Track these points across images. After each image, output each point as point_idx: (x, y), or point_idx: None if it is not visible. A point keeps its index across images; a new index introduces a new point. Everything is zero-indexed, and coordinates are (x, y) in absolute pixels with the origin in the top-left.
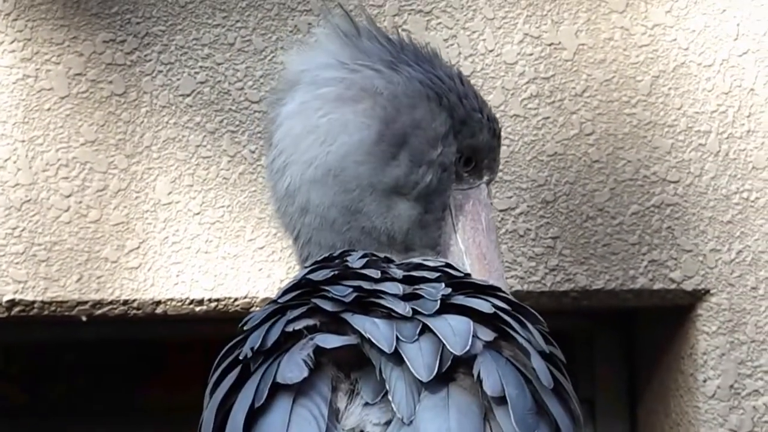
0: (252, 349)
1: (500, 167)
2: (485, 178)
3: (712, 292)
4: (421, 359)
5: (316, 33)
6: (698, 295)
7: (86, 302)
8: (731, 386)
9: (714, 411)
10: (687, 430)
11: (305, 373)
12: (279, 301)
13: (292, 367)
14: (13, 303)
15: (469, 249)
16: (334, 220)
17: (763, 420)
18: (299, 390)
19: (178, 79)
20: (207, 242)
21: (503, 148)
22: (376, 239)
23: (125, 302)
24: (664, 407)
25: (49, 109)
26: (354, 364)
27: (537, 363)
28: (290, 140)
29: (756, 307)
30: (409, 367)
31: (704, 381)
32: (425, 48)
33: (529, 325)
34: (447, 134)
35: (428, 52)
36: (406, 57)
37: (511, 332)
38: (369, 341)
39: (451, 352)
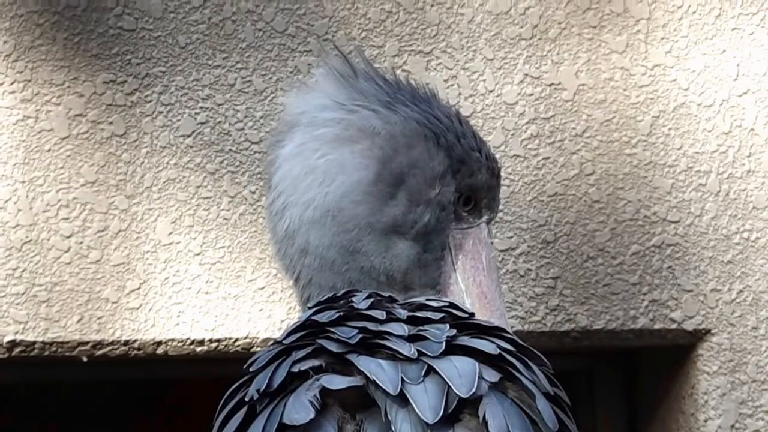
0: (258, 391)
1: (500, 207)
2: (485, 218)
3: (712, 331)
4: (426, 401)
5: (314, 74)
6: (699, 335)
7: (87, 343)
8: (732, 426)
9: None
10: None
11: (312, 415)
12: (284, 342)
13: (299, 408)
14: (14, 344)
15: (469, 288)
16: (333, 260)
17: None
18: (305, 431)
19: (179, 120)
20: (208, 283)
21: (503, 188)
22: (375, 279)
23: (126, 342)
24: None
25: (49, 150)
26: (359, 405)
27: (542, 405)
28: (289, 182)
29: (757, 347)
30: (415, 408)
31: (705, 421)
32: (423, 88)
33: (534, 367)
34: (445, 174)
35: (425, 92)
36: (403, 97)
37: (516, 374)
38: (374, 383)
39: (457, 394)
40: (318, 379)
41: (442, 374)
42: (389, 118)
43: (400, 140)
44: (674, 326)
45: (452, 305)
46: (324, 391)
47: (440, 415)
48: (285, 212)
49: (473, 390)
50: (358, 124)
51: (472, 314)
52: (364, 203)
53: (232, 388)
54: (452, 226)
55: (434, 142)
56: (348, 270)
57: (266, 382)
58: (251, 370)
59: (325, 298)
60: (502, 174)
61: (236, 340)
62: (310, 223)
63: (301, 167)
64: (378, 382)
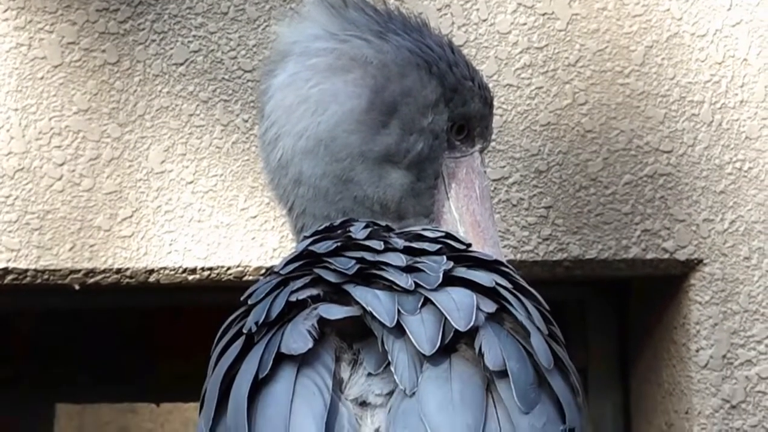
0: (256, 323)
1: (493, 136)
2: (478, 146)
3: (705, 261)
4: (423, 332)
5: (305, 4)
6: (691, 265)
7: (79, 270)
8: (724, 356)
9: (706, 381)
10: (679, 400)
11: (310, 344)
12: (281, 272)
13: (297, 338)
14: (6, 271)
15: (462, 217)
16: (326, 190)
17: (756, 390)
18: (303, 360)
19: (172, 48)
20: (200, 211)
21: (496, 118)
22: (369, 208)
23: (118, 271)
24: (657, 377)
25: (42, 78)
26: (357, 335)
27: (536, 341)
28: (282, 111)
29: (749, 277)
30: (411, 339)
31: (697, 351)
32: (414, 18)
33: (529, 304)
34: (437, 102)
35: (417, 21)
36: (394, 26)
37: (510, 308)
38: (371, 314)
39: (455, 328)
40: (315, 308)
41: (439, 307)
42: (381, 47)
43: (392, 69)
44: (666, 256)
45: (449, 236)
46: (321, 321)
47: (437, 347)
48: (278, 142)
49: (471, 323)
50: (350, 53)
51: (468, 245)
52: (356, 132)
53: (230, 319)
54: (445, 154)
55: (426, 70)
56: (341, 199)
57: (264, 313)
58: (249, 302)
59: (322, 227)
60: (495, 103)
61: (228, 268)
62: (302, 152)
63: (293, 97)
64: (374, 313)
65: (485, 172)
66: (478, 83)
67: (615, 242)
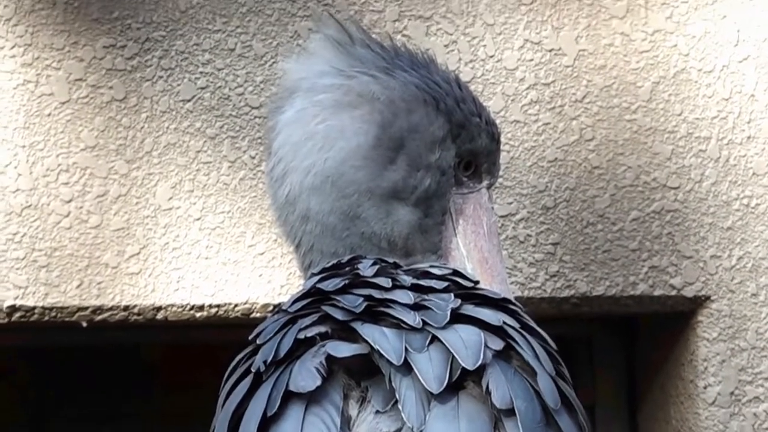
0: (265, 362)
1: (501, 173)
2: (485, 182)
3: (712, 298)
4: (431, 370)
5: (312, 41)
6: (699, 302)
7: (87, 308)
8: (732, 393)
9: (714, 418)
10: None
11: (318, 382)
12: (289, 310)
13: (305, 376)
14: (13, 309)
15: (470, 253)
16: (334, 226)
17: (764, 427)
18: (311, 398)
19: (179, 85)
20: (207, 248)
21: (504, 154)
22: (376, 245)
23: (126, 308)
24: (665, 414)
25: (49, 115)
26: (365, 372)
27: (543, 381)
28: (289, 147)
29: (756, 314)
30: (419, 377)
31: (705, 387)
32: (421, 54)
33: (536, 345)
34: (445, 138)
35: (424, 57)
36: (401, 62)
37: (517, 348)
38: (378, 352)
39: (463, 366)
40: (323, 346)
41: (447, 345)
42: (388, 83)
43: (399, 105)
44: (674, 293)
45: (456, 273)
46: (329, 358)
47: (445, 384)
48: (285, 178)
49: (479, 361)
50: (357, 89)
51: (476, 282)
52: (363, 168)
53: (238, 358)
54: (453, 190)
55: (434, 107)
56: (349, 236)
57: (273, 352)
58: (258, 341)
59: (330, 264)
60: (503, 140)
61: (236, 305)
62: (310, 189)
63: (300, 133)
64: (381, 351)
65: (493, 208)
66: (485, 119)
67: (622, 279)
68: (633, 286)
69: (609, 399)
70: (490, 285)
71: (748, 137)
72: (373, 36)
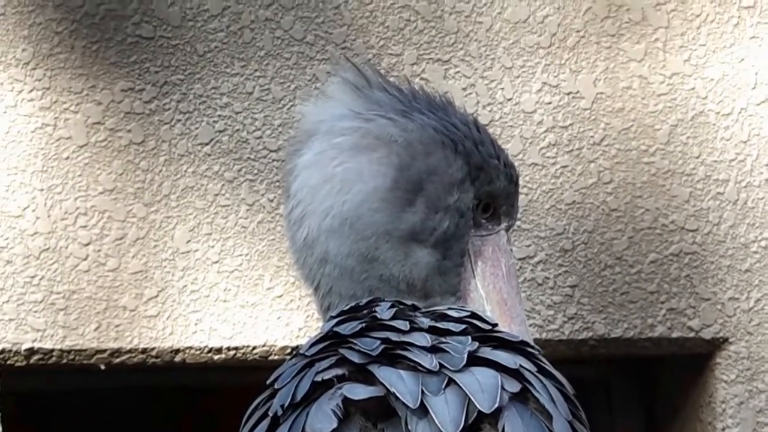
0: (282, 406)
1: (519, 215)
2: (504, 225)
3: (730, 340)
4: (447, 413)
5: (330, 85)
6: (717, 344)
7: (105, 351)
8: None
9: None
10: None
11: (334, 425)
12: (307, 354)
13: (321, 418)
14: (31, 351)
15: (489, 295)
16: (352, 269)
17: None
18: None
19: (197, 128)
20: (225, 291)
21: (522, 197)
22: (395, 287)
23: (144, 351)
24: None
25: (67, 158)
26: (381, 415)
27: (559, 425)
28: (307, 190)
29: None
30: (435, 420)
31: (723, 430)
32: (439, 96)
33: (552, 389)
34: (464, 180)
35: (441, 100)
36: (419, 105)
37: (533, 391)
38: (394, 395)
39: (479, 409)
40: (340, 388)
41: (463, 388)
42: (406, 126)
43: (417, 147)
44: (692, 335)
45: (474, 315)
46: (346, 401)
47: (461, 428)
48: (303, 221)
49: (496, 404)
50: (375, 132)
51: (494, 325)
52: (381, 210)
53: (256, 402)
54: (471, 232)
55: (452, 149)
56: (367, 278)
57: (290, 396)
58: (276, 386)
59: (347, 308)
60: (521, 182)
61: (254, 348)
62: (328, 231)
63: (319, 176)
64: (398, 394)
65: (511, 250)
66: (503, 161)
67: (640, 321)
68: (651, 328)
69: None
70: (509, 327)
71: (766, 180)
72: (391, 79)
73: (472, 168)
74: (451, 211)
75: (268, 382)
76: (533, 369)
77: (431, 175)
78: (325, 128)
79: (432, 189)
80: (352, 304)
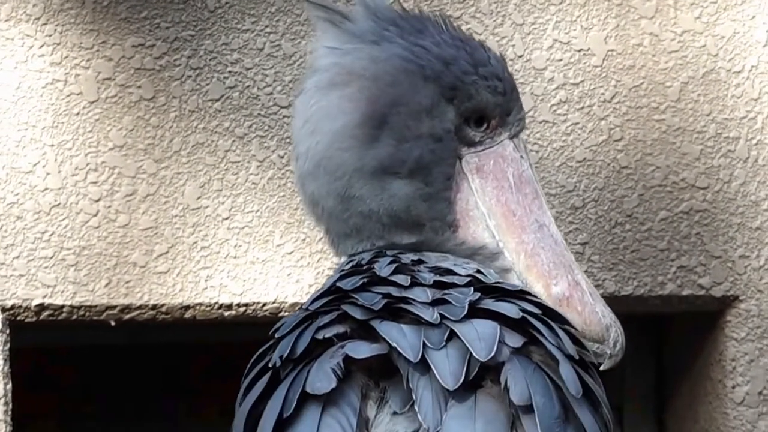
0: (281, 357)
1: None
2: (506, 134)
3: (741, 298)
4: (447, 367)
5: (314, 24)
6: (727, 302)
7: (115, 307)
8: (760, 393)
9: (743, 417)
10: None
11: (333, 384)
12: (309, 308)
13: (321, 377)
14: (42, 307)
15: (491, 210)
16: (333, 209)
17: None
18: (328, 399)
19: (207, 84)
20: (236, 247)
21: (532, 154)
22: (378, 222)
23: (154, 307)
24: (693, 414)
25: (78, 114)
26: (384, 372)
27: (566, 370)
28: (295, 133)
29: None
30: (436, 375)
31: (733, 387)
32: (421, 17)
33: (558, 329)
34: (434, 105)
35: (421, 21)
36: (390, 33)
37: (540, 337)
38: (395, 350)
39: (477, 359)
40: (342, 347)
41: (462, 338)
42: (376, 57)
43: (384, 79)
44: (702, 293)
45: (479, 271)
46: (347, 359)
47: (461, 381)
48: (296, 163)
49: (492, 353)
50: (348, 67)
51: (498, 281)
52: (350, 149)
53: (258, 353)
54: (463, 151)
55: (419, 75)
56: (350, 216)
57: (289, 348)
58: (276, 335)
59: (349, 266)
60: (530, 138)
61: (264, 304)
62: (308, 174)
63: (299, 118)
64: (399, 348)
65: (522, 157)
66: (484, 74)
67: (651, 279)
68: (661, 285)
69: (637, 399)
70: (518, 237)
71: None
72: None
73: (445, 89)
74: (423, 138)
75: (271, 332)
76: (538, 312)
77: (395, 106)
78: (311, 67)
79: (397, 120)
80: (355, 260)
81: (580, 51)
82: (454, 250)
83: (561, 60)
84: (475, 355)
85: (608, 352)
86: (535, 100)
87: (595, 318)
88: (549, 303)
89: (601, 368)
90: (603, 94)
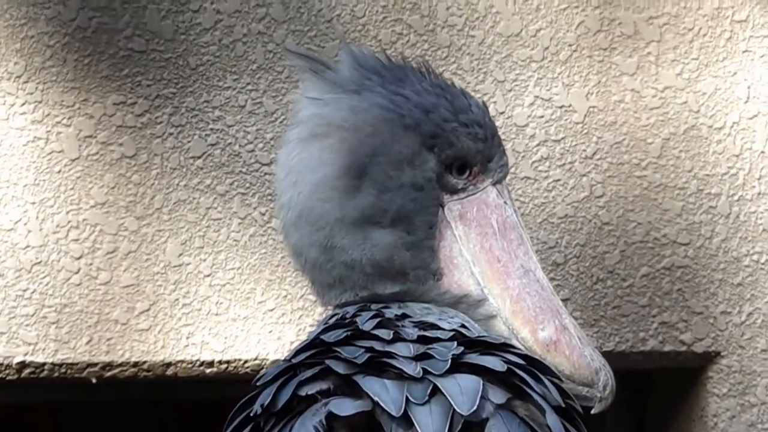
0: (262, 406)
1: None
2: (489, 181)
3: (722, 354)
4: (431, 423)
5: (300, 75)
6: (709, 357)
7: (96, 364)
8: None
9: None
10: None
11: None
12: (292, 360)
13: None
14: (23, 365)
15: (476, 256)
16: (316, 259)
17: None
18: None
19: (189, 142)
20: (217, 304)
21: None
22: (361, 272)
23: (135, 364)
24: None
25: (59, 171)
26: (367, 430)
27: (552, 420)
28: (278, 184)
29: (766, 369)
30: (419, 431)
31: None
32: (402, 65)
33: (545, 380)
34: (415, 154)
35: (402, 70)
36: (370, 82)
37: (526, 389)
38: (378, 405)
39: (460, 414)
40: (326, 404)
41: (445, 393)
42: (356, 107)
43: (364, 129)
44: (684, 348)
45: (463, 325)
46: (331, 416)
47: None
48: (280, 215)
49: (474, 407)
50: (329, 117)
51: (482, 335)
52: (331, 199)
53: (240, 403)
54: (446, 199)
55: (399, 124)
56: (333, 267)
57: (270, 399)
58: (258, 385)
59: (333, 320)
60: (513, 195)
61: (246, 361)
62: (291, 225)
63: (282, 169)
64: (381, 403)
65: (506, 203)
66: (464, 122)
67: (632, 335)
68: (643, 342)
69: None
70: (504, 283)
71: (759, 194)
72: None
73: (425, 138)
74: (404, 188)
75: (253, 382)
76: (523, 363)
77: (376, 156)
78: (294, 119)
79: (378, 170)
80: (339, 313)
81: (561, 108)
82: (438, 300)
83: (542, 117)
84: (457, 409)
85: (598, 395)
86: (516, 156)
87: (584, 362)
88: (536, 348)
89: (592, 412)
90: (584, 150)
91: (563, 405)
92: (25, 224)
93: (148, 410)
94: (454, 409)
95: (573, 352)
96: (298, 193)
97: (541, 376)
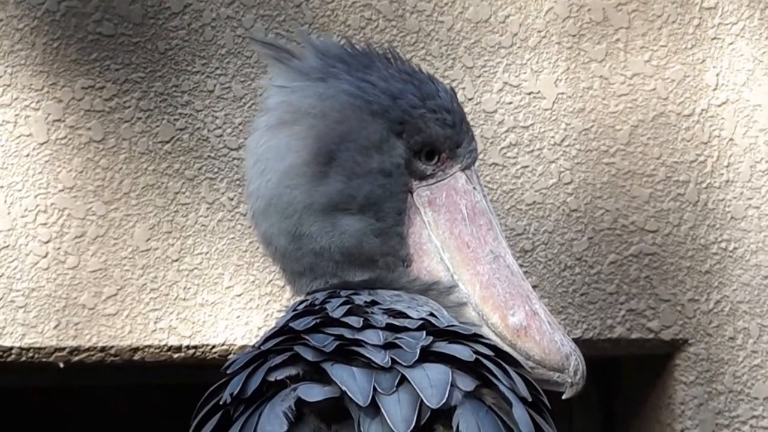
0: (231, 394)
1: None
2: (458, 166)
3: (690, 341)
4: (399, 413)
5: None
6: (676, 345)
7: (64, 349)
8: None
9: None
10: None
11: (285, 428)
12: (261, 347)
13: (273, 420)
14: None
15: (445, 242)
16: (285, 248)
17: None
18: None
19: (157, 126)
20: (185, 289)
21: None
22: (330, 259)
23: (103, 349)
24: None
25: (27, 155)
26: (336, 415)
27: (519, 412)
28: (247, 172)
29: (734, 357)
30: (387, 420)
31: (682, 431)
32: (369, 52)
33: (512, 372)
34: (384, 140)
35: (368, 57)
36: (337, 69)
37: (493, 379)
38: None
39: (427, 404)
40: (295, 390)
41: (413, 384)
42: (324, 94)
43: (332, 116)
44: (651, 336)
45: (432, 314)
46: (299, 402)
47: (412, 427)
48: (249, 203)
49: (443, 401)
50: (296, 105)
51: (451, 324)
52: (298, 187)
53: (209, 391)
54: (415, 185)
55: (366, 111)
56: (302, 255)
57: (239, 386)
58: (228, 372)
59: (303, 307)
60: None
61: (213, 347)
62: (260, 213)
63: (251, 157)
64: (348, 393)
65: (475, 188)
66: (432, 107)
67: (600, 322)
68: (611, 329)
69: None
70: (473, 268)
71: (727, 181)
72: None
73: (393, 124)
74: (372, 174)
75: (222, 369)
76: (491, 354)
77: (344, 142)
78: (263, 106)
79: (346, 156)
80: (308, 300)
81: (530, 94)
82: (408, 287)
83: (511, 103)
84: (426, 402)
85: (569, 380)
86: (485, 143)
87: (555, 347)
88: (506, 333)
89: (563, 397)
90: (553, 137)
91: (530, 398)
92: None
93: (116, 395)
94: (421, 399)
95: (543, 337)
96: (266, 181)
97: (509, 369)
